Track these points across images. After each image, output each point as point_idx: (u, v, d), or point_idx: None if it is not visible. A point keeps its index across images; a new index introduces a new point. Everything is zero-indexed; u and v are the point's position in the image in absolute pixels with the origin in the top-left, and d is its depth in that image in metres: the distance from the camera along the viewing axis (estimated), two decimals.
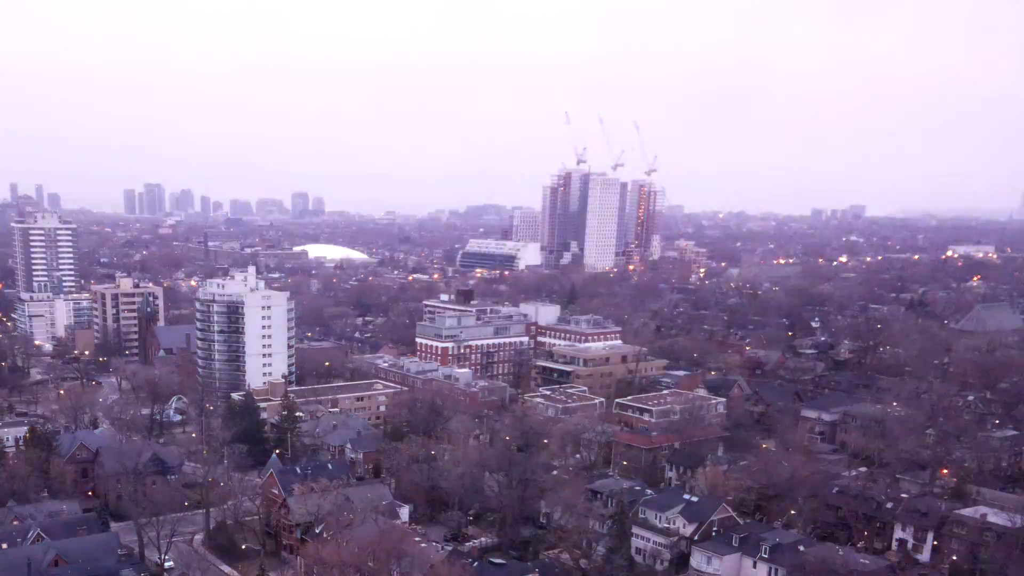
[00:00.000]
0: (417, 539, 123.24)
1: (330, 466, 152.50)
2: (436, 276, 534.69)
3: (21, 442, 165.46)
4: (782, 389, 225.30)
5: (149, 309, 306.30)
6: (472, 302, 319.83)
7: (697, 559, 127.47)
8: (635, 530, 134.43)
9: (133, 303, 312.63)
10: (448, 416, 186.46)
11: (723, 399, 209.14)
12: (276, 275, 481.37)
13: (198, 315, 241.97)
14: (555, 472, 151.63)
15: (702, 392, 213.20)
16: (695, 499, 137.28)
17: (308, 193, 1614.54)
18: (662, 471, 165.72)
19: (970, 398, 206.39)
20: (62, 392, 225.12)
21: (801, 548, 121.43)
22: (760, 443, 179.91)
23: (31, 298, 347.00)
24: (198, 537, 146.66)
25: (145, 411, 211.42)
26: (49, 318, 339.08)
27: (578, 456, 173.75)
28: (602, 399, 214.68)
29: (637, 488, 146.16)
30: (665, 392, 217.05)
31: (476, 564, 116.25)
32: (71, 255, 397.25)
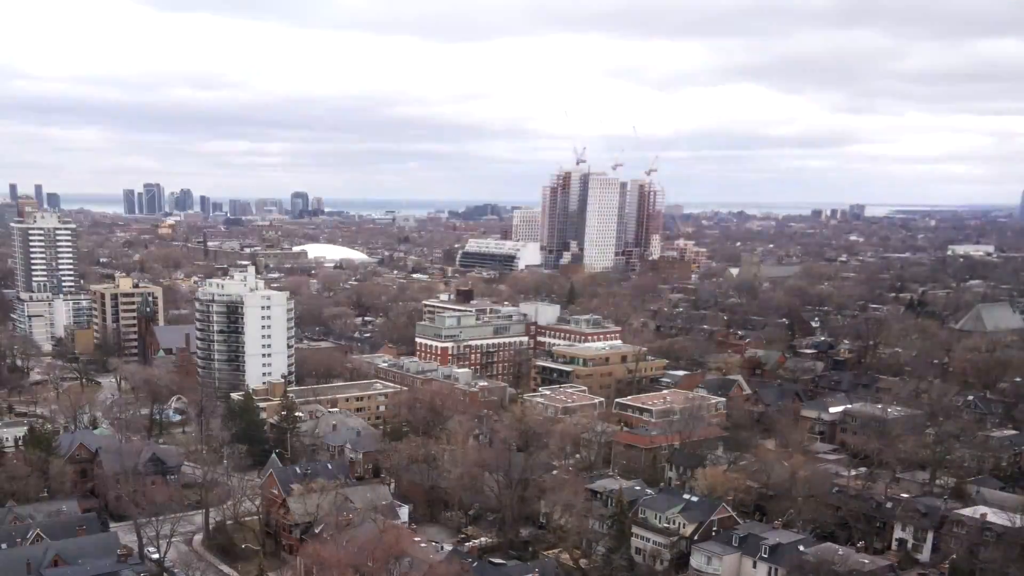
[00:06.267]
0: (417, 539, 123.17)
1: (330, 466, 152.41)
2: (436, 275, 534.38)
3: (21, 442, 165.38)
4: (782, 389, 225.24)
5: (149, 309, 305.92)
6: (472, 302, 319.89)
7: (697, 559, 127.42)
8: (635, 530, 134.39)
9: (132, 303, 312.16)
10: (448, 416, 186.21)
11: (723, 399, 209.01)
12: (276, 275, 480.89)
13: (198, 315, 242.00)
14: (555, 472, 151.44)
15: (702, 392, 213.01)
16: (695, 499, 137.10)
17: (308, 193, 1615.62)
18: (662, 471, 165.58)
19: (970, 398, 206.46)
20: (61, 392, 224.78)
21: (801, 548, 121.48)
22: (760, 443, 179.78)
23: (31, 298, 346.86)
24: (198, 537, 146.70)
25: (144, 411, 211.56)
26: (48, 318, 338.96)
27: (578, 456, 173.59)
28: (602, 399, 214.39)
29: (637, 488, 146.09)
30: (665, 392, 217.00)
31: (476, 564, 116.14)
32: (71, 255, 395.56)
